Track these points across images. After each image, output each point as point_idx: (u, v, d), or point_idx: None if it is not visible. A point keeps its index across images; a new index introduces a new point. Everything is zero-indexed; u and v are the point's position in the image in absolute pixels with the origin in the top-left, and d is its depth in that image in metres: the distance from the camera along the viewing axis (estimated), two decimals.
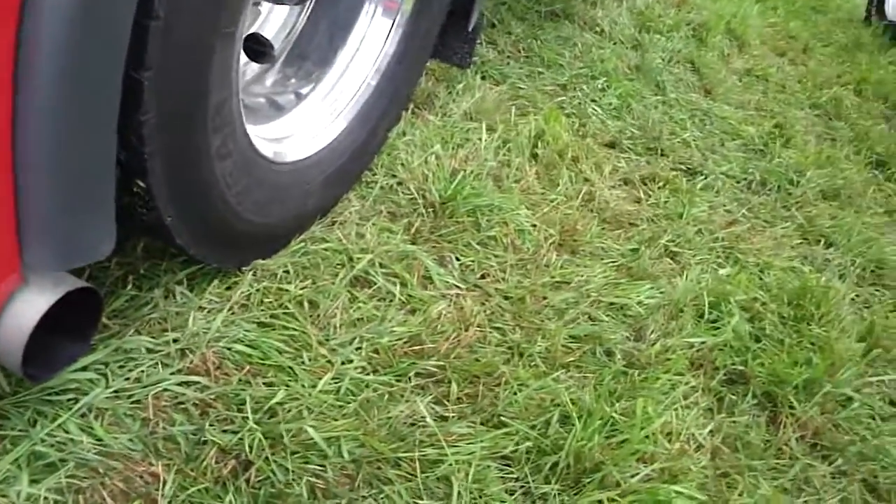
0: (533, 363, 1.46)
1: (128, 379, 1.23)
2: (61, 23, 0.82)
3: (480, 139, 2.01)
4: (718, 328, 1.73)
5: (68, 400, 1.18)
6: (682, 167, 2.41)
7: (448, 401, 1.34)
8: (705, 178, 2.37)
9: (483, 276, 1.62)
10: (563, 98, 2.48)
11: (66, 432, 1.15)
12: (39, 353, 1.01)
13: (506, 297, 1.59)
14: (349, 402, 1.27)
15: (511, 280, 1.63)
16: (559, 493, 1.26)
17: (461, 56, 2.01)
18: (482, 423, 1.31)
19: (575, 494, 1.27)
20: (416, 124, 1.99)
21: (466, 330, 1.46)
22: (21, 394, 1.17)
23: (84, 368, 1.21)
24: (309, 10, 1.62)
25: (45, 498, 1.07)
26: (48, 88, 0.85)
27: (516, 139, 2.08)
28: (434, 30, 1.77)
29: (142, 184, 1.08)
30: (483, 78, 2.42)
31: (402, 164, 1.81)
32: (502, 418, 1.32)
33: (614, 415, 1.38)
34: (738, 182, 2.47)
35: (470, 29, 1.92)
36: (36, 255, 0.95)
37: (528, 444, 1.30)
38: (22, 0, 0.81)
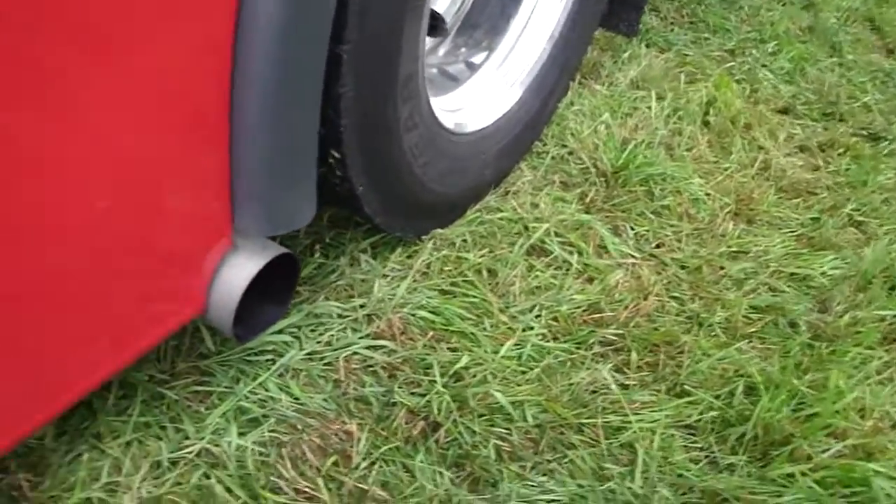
0: (713, 333, 1.42)
1: (319, 342, 1.29)
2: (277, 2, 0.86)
3: (650, 108, 1.97)
4: None
5: (266, 360, 1.26)
6: (864, 133, 2.26)
7: (629, 369, 1.33)
8: (890, 144, 2.22)
9: (658, 246, 1.60)
10: (732, 63, 2.38)
11: (266, 390, 1.22)
12: (245, 315, 1.07)
13: (682, 267, 1.56)
14: (531, 368, 1.29)
15: (687, 249, 1.59)
16: (746, 464, 1.23)
17: (628, 24, 1.97)
18: (665, 392, 1.30)
19: (763, 466, 1.23)
20: (584, 94, 1.97)
21: (645, 299, 1.44)
22: (224, 353, 1.26)
23: (279, 331, 1.29)
24: None
25: (252, 449, 1.15)
26: (262, 65, 0.89)
27: (686, 107, 2.02)
28: None
29: (337, 154, 1.12)
30: (648, 46, 2.37)
31: (573, 134, 1.80)
32: (685, 387, 1.30)
33: (802, 388, 1.33)
34: None
35: None
36: (246, 222, 1.01)
37: (713, 413, 1.27)
38: None
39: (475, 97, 1.50)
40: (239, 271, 1.04)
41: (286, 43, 0.89)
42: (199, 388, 1.21)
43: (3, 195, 0.74)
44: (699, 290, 1.51)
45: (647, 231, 1.61)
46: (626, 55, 2.21)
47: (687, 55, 2.37)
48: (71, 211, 0.81)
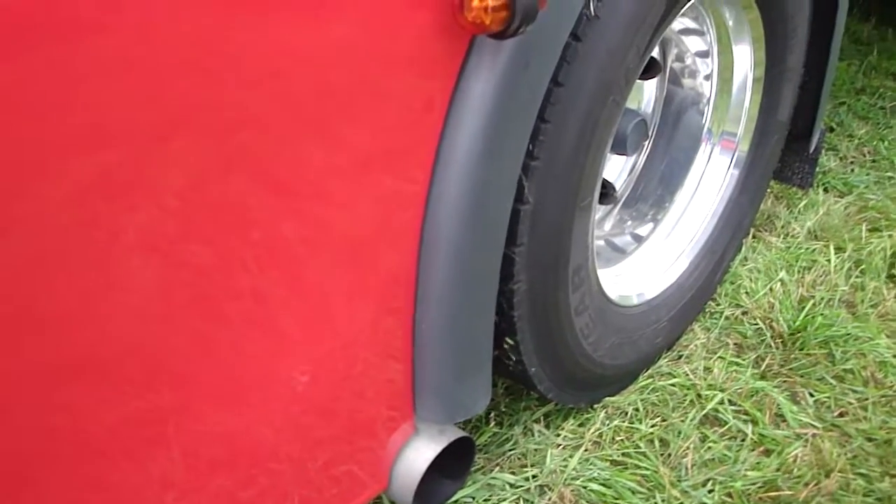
0: None
1: None
2: (458, 216, 0.96)
3: (829, 261, 1.93)
4: None
5: None
6: None
7: None
8: None
9: (841, 415, 1.54)
10: None
11: None
12: (424, 489, 1.15)
13: (869, 439, 1.49)
14: None
15: (874, 419, 1.53)
16: None
17: (802, 177, 1.96)
18: None
19: None
20: (758, 248, 1.97)
21: (827, 476, 1.39)
22: None
23: (455, 502, 1.35)
24: (645, 156, 1.70)
25: None
26: (443, 275, 0.99)
27: (869, 259, 1.96)
28: (774, 158, 1.77)
29: (510, 341, 1.20)
30: (826, 190, 2.33)
31: (747, 293, 1.79)
32: None
33: None
34: None
35: (811, 150, 1.88)
36: (426, 411, 1.11)
37: None
38: (426, 198, 0.97)
39: (643, 269, 1.55)
40: (419, 454, 1.14)
41: (465, 256, 0.99)
42: None
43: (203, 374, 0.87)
44: (889, 467, 1.44)
45: (829, 398, 1.57)
46: (801, 204, 2.19)
47: (869, 199, 2.31)
48: (268, 389, 0.93)
